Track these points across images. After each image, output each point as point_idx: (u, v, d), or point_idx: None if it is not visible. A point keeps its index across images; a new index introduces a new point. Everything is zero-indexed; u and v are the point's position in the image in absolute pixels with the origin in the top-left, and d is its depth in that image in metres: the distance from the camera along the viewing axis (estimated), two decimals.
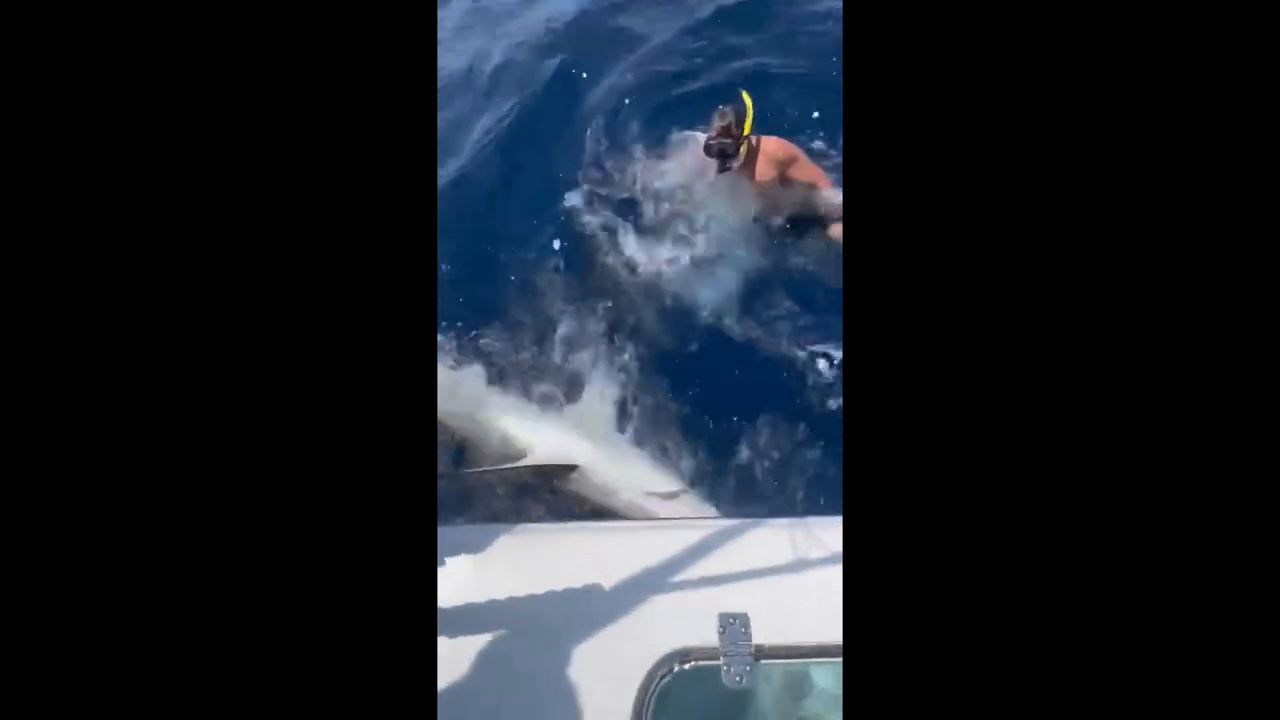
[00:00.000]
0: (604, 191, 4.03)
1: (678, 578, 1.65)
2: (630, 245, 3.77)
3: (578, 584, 1.65)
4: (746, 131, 3.47)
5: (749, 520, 1.82)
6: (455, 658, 1.53)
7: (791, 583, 1.61)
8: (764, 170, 3.65)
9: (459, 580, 1.68)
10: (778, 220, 3.75)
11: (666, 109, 4.41)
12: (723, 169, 3.57)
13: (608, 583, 1.65)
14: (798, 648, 1.52)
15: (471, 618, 1.61)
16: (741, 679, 1.46)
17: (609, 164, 4.15)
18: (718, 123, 3.46)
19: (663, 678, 1.50)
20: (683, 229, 3.77)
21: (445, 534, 1.67)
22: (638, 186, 3.97)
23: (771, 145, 3.64)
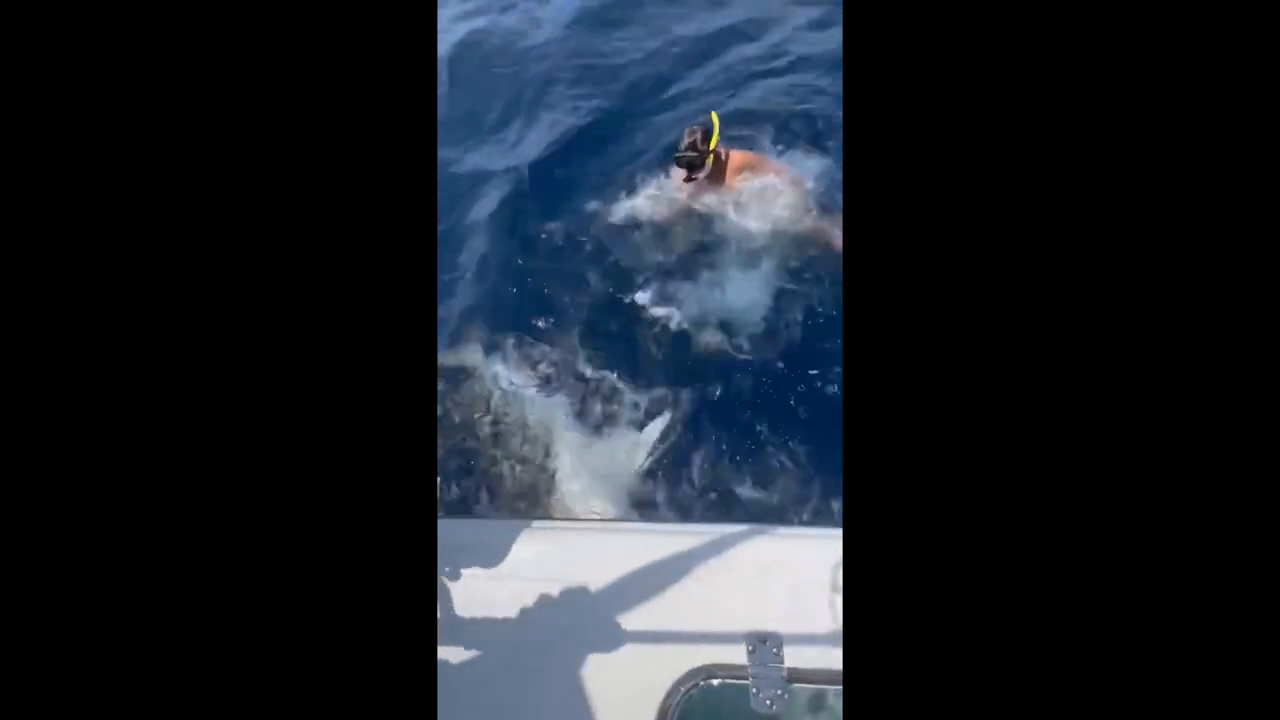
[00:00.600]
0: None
1: (705, 585, 1.50)
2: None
3: (592, 587, 1.51)
4: (713, 146, 3.75)
5: (783, 528, 1.66)
6: (459, 665, 1.45)
7: (826, 599, 1.45)
8: (732, 180, 3.90)
9: (466, 579, 1.58)
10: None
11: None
12: (689, 179, 3.85)
13: (626, 587, 1.51)
14: (834, 672, 1.36)
15: (478, 621, 1.51)
16: (772, 704, 1.34)
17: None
18: (687, 138, 3.76)
19: (686, 693, 1.38)
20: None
21: (445, 528, 1.55)
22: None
23: (739, 158, 3.92)
